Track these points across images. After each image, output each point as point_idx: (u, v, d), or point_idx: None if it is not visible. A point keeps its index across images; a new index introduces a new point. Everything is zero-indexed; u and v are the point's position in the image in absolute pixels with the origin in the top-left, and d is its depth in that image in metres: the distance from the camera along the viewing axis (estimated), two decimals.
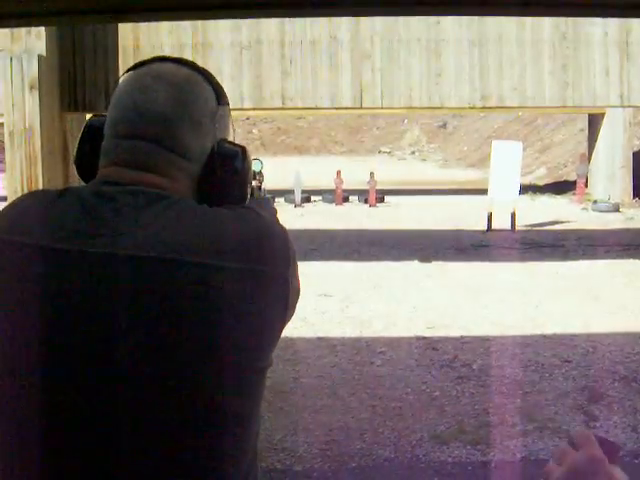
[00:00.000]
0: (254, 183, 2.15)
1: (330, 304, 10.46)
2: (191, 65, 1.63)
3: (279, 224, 1.66)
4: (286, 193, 23.12)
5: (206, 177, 1.59)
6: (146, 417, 1.44)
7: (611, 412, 6.61)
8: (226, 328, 1.46)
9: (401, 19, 12.35)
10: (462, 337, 8.85)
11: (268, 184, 22.78)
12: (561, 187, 24.93)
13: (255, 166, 2.21)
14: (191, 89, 1.59)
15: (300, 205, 22.33)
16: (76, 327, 1.44)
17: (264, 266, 1.51)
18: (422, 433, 6.23)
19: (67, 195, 1.54)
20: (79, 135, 1.65)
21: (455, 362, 7.96)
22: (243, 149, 1.64)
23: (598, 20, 12.24)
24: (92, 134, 1.63)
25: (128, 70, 1.63)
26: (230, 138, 1.67)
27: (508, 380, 7.40)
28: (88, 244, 1.46)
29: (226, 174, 1.59)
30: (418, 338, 8.87)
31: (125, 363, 1.43)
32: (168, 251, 1.45)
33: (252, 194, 2.10)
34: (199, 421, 1.46)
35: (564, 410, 6.65)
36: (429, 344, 8.62)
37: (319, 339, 8.86)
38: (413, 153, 47.70)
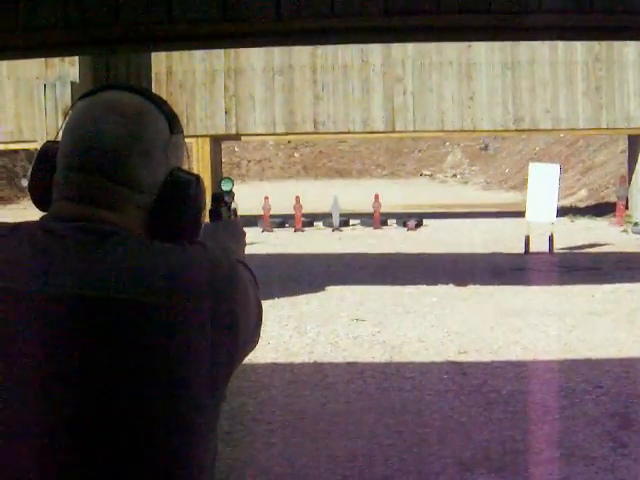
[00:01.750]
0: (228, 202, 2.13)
1: (362, 329, 10.39)
2: (144, 93, 1.60)
3: (228, 256, 1.63)
4: (325, 217, 23.12)
5: (158, 208, 1.56)
6: (94, 461, 1.43)
7: None
8: (171, 368, 1.44)
9: (433, 43, 12.34)
10: (493, 362, 8.75)
11: (308, 208, 22.74)
12: (602, 209, 24.69)
13: (225, 185, 2.18)
14: (142, 119, 1.56)
15: (338, 229, 22.30)
16: (22, 367, 1.43)
17: (210, 302, 1.49)
18: (447, 460, 6.14)
19: (18, 232, 1.53)
20: (33, 161, 1.64)
21: (484, 388, 7.87)
22: (197, 177, 1.61)
23: (631, 41, 12.15)
24: (45, 161, 1.61)
25: (80, 98, 1.61)
26: (185, 167, 1.64)
27: (537, 406, 7.29)
28: (36, 283, 1.45)
29: (179, 204, 1.57)
30: (449, 363, 8.78)
31: (71, 402, 1.43)
32: (114, 290, 1.44)
33: (220, 216, 2.07)
34: (148, 461, 1.45)
35: (593, 437, 6.53)
36: (459, 369, 8.53)
37: (348, 364, 8.80)
38: (455, 176, 47.56)
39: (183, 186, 1.58)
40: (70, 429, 1.42)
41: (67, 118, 1.59)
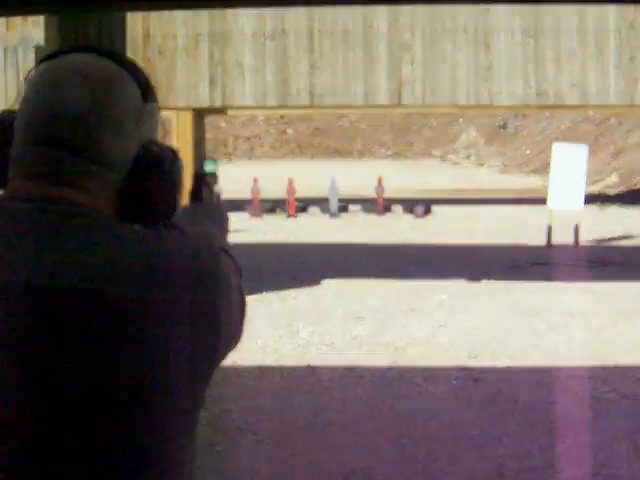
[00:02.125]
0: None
1: (361, 328, 10.41)
2: (114, 56, 1.59)
3: (208, 242, 1.62)
4: (321, 202, 23.14)
5: (129, 185, 1.54)
6: (63, 459, 1.43)
7: None
8: (144, 364, 1.43)
9: (446, 7, 12.31)
10: (509, 368, 8.76)
11: (302, 192, 22.76)
12: (635, 197, 24.73)
13: (208, 166, 2.18)
14: (111, 85, 1.54)
15: (336, 215, 22.31)
16: None
17: (189, 293, 1.49)
18: (456, 477, 6.16)
19: None
20: None
21: (498, 397, 7.88)
22: (173, 151, 1.60)
23: None
24: (1, 133, 1.59)
25: (41, 61, 1.59)
26: (159, 140, 1.63)
27: (557, 418, 7.30)
28: None
29: (152, 181, 1.55)
30: (459, 369, 8.80)
31: (28, 401, 1.42)
32: (77, 279, 1.43)
33: (201, 198, 2.07)
34: (115, 462, 1.44)
35: (620, 454, 6.54)
36: (471, 375, 8.54)
37: (346, 368, 8.81)
38: (468, 157, 47.60)
39: (157, 160, 1.56)
40: (30, 425, 1.42)
41: (26, 84, 1.58)
